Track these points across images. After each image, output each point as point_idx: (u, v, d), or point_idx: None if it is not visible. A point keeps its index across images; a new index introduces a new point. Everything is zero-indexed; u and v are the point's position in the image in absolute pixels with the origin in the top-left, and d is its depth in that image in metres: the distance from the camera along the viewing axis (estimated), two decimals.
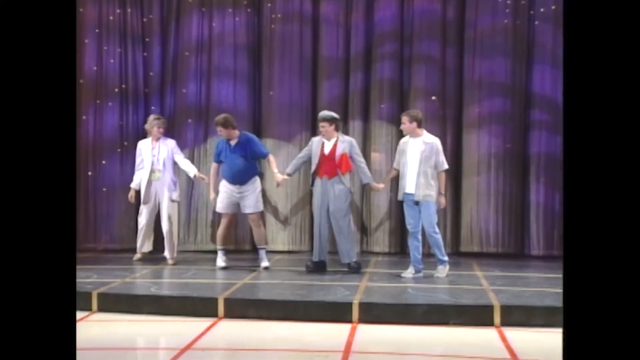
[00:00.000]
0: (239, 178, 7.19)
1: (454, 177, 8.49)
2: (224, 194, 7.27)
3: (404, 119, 6.79)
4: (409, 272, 6.76)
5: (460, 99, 8.62)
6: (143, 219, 7.68)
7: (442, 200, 6.77)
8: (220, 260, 7.32)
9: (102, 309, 5.76)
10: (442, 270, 6.76)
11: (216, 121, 7.29)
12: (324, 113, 7.14)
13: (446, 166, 6.83)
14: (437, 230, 6.73)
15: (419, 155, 6.67)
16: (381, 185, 7.30)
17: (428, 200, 6.65)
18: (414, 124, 6.72)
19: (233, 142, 7.25)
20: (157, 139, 7.59)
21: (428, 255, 7.18)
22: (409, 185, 6.68)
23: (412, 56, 8.64)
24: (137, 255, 7.77)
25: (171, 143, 7.69)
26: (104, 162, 8.69)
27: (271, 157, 7.43)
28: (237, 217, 7.74)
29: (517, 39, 8.49)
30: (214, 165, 7.47)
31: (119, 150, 8.75)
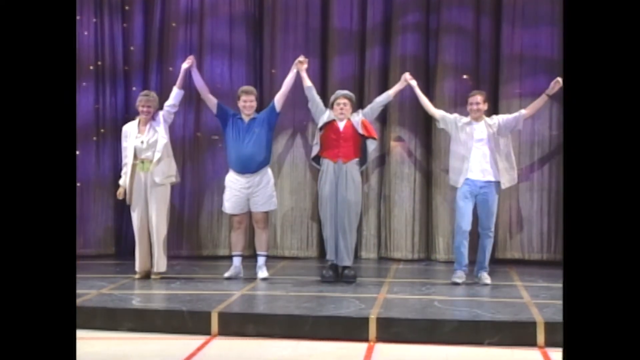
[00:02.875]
0: (249, 165, 7.11)
1: None
2: (232, 191, 7.19)
3: (479, 97, 6.88)
4: (459, 277, 6.85)
5: (497, 77, 8.61)
6: (137, 227, 7.13)
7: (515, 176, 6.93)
8: (231, 269, 7.22)
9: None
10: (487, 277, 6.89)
11: (248, 90, 7.24)
12: (345, 91, 7.22)
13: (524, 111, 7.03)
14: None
15: (486, 135, 6.79)
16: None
17: (493, 189, 6.75)
18: (486, 106, 6.81)
19: (247, 119, 7.20)
20: (146, 122, 7.09)
21: (452, 262, 7.25)
22: (474, 169, 6.74)
23: (439, 27, 8.63)
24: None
25: (159, 121, 7.12)
26: (77, 152, 8.67)
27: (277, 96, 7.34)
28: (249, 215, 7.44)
29: None
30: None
31: (94, 138, 8.77)
